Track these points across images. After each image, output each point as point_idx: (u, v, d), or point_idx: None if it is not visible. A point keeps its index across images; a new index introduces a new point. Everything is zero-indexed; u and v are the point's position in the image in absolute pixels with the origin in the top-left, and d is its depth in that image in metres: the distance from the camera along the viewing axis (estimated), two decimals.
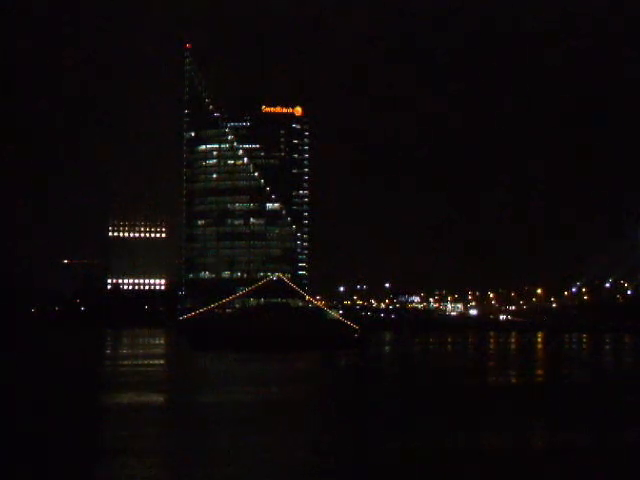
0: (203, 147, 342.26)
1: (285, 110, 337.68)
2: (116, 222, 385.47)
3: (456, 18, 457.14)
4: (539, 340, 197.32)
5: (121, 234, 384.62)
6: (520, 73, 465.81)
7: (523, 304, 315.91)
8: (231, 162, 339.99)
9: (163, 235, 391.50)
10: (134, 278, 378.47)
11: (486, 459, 40.76)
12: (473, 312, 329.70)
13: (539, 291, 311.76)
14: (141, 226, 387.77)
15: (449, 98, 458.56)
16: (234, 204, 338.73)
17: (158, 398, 65.58)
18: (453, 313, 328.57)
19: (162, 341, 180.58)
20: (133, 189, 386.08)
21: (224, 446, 43.34)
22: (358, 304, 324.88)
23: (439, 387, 76.11)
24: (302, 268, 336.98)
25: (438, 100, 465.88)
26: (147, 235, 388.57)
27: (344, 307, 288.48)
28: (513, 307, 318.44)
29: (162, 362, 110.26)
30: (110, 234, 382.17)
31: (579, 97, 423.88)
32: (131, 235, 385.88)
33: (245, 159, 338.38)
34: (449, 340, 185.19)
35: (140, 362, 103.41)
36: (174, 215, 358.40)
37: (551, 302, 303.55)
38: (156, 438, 46.12)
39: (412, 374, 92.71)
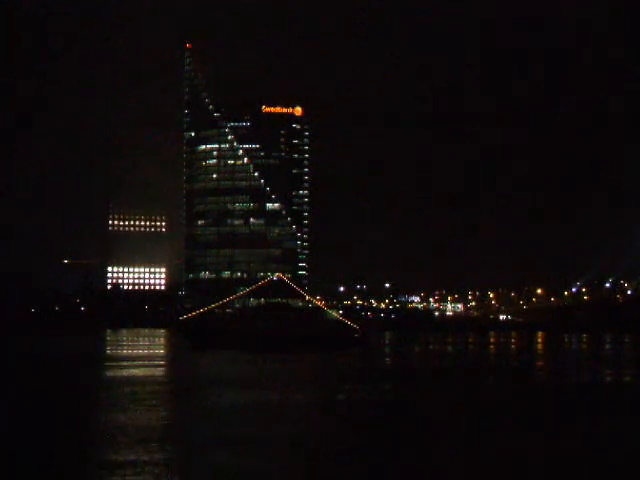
0: (203, 147, 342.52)
1: (285, 110, 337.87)
2: (116, 223, 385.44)
3: (456, 19, 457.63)
4: (539, 340, 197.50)
5: (121, 230, 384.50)
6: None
7: (523, 304, 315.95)
8: (231, 162, 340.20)
9: (163, 230, 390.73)
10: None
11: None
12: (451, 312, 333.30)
13: (539, 291, 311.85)
14: (141, 226, 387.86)
15: (449, 98, 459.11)
16: (234, 204, 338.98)
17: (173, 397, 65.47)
18: (436, 313, 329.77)
19: (163, 341, 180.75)
20: (133, 189, 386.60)
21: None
22: (358, 304, 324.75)
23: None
24: (302, 268, 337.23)
25: (438, 100, 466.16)
26: (147, 230, 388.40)
27: (344, 307, 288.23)
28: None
29: (163, 362, 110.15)
30: (110, 231, 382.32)
31: (578, 96, 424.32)
32: (131, 229, 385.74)
33: (245, 159, 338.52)
34: (450, 340, 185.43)
35: (142, 363, 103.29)
36: (174, 215, 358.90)
37: (551, 302, 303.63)
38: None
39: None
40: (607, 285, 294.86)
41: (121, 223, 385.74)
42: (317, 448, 42.23)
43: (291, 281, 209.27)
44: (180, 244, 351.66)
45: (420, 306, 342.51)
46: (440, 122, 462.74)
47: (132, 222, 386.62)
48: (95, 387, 72.75)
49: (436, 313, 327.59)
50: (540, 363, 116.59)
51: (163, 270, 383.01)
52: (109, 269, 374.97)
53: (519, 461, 39.52)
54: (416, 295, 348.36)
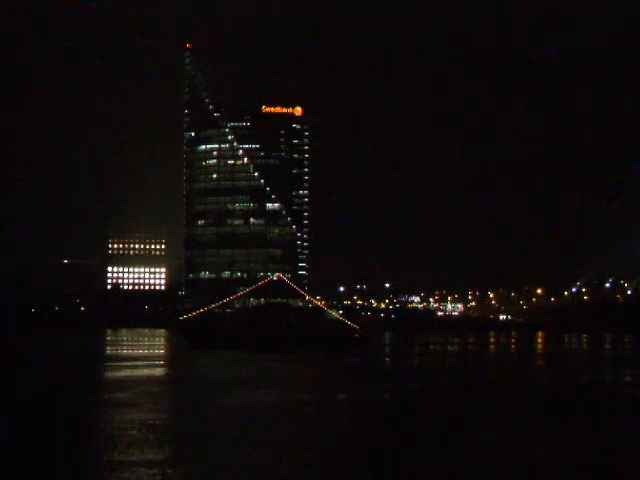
0: (203, 147, 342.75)
1: (285, 110, 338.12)
2: (116, 222, 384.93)
3: (456, 19, 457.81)
4: (539, 340, 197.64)
5: (121, 236, 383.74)
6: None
7: (523, 304, 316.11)
8: (231, 162, 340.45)
9: (163, 247, 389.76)
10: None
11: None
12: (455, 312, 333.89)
13: (539, 291, 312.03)
14: (141, 226, 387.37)
15: (449, 97, 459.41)
16: (234, 204, 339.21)
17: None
18: (440, 313, 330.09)
19: (163, 341, 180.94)
20: (133, 189, 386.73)
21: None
22: (358, 304, 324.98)
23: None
24: (302, 268, 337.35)
25: (438, 99, 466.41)
26: (147, 241, 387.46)
27: (344, 307, 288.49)
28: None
29: (163, 362, 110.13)
30: (110, 236, 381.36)
31: (578, 97, 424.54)
32: (131, 241, 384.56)
33: (245, 159, 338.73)
34: (449, 340, 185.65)
35: (143, 363, 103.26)
36: (174, 215, 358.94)
37: (551, 302, 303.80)
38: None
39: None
40: (607, 285, 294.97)
41: (121, 239, 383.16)
42: (317, 448, 42.29)
43: (291, 281, 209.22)
44: (180, 244, 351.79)
45: (420, 306, 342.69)
46: (440, 122, 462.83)
47: (132, 226, 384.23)
48: (93, 388, 72.72)
49: (440, 313, 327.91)
50: (540, 363, 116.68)
51: (163, 270, 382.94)
52: (109, 269, 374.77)
53: (519, 461, 39.57)
54: (416, 295, 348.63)
